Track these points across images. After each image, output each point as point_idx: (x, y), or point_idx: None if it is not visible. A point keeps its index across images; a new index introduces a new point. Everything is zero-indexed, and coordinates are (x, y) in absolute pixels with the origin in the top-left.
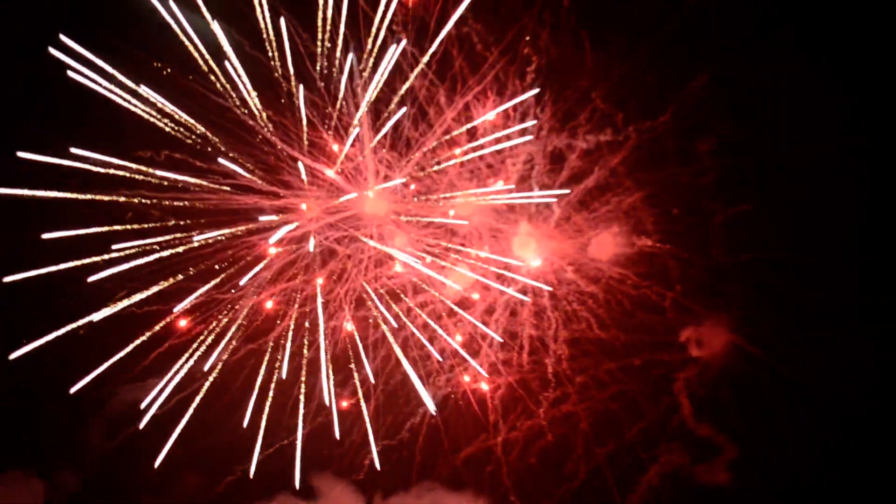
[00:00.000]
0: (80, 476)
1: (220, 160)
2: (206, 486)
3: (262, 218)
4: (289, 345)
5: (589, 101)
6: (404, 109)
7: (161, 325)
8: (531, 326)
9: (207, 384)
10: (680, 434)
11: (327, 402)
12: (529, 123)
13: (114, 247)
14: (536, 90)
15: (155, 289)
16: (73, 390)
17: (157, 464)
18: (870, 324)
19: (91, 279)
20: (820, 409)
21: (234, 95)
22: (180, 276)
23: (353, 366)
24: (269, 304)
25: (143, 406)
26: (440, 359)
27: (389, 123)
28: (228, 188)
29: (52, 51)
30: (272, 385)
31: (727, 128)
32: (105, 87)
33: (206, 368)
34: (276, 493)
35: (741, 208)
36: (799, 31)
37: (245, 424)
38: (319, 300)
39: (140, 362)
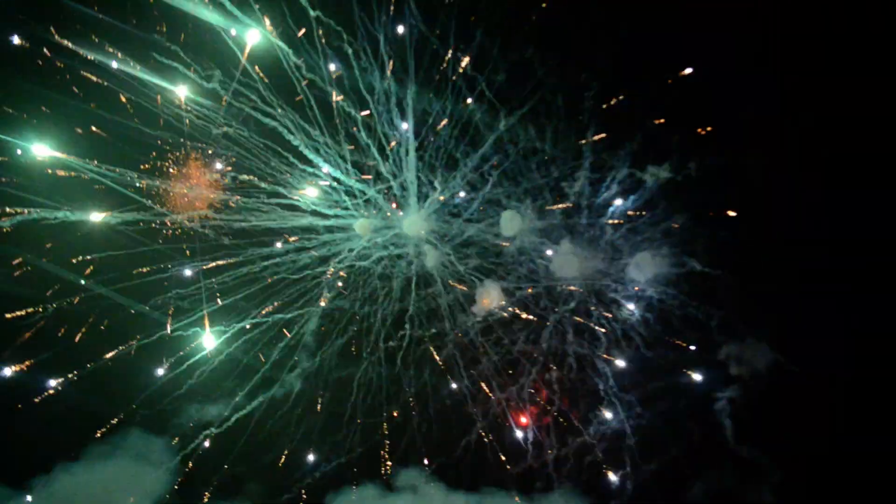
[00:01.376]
0: None
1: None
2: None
3: (292, 238)
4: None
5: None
6: (444, 122)
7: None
8: (577, 345)
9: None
10: (724, 453)
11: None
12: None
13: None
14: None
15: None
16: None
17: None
18: None
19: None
20: (863, 429)
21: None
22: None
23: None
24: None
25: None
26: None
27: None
28: (279, 208)
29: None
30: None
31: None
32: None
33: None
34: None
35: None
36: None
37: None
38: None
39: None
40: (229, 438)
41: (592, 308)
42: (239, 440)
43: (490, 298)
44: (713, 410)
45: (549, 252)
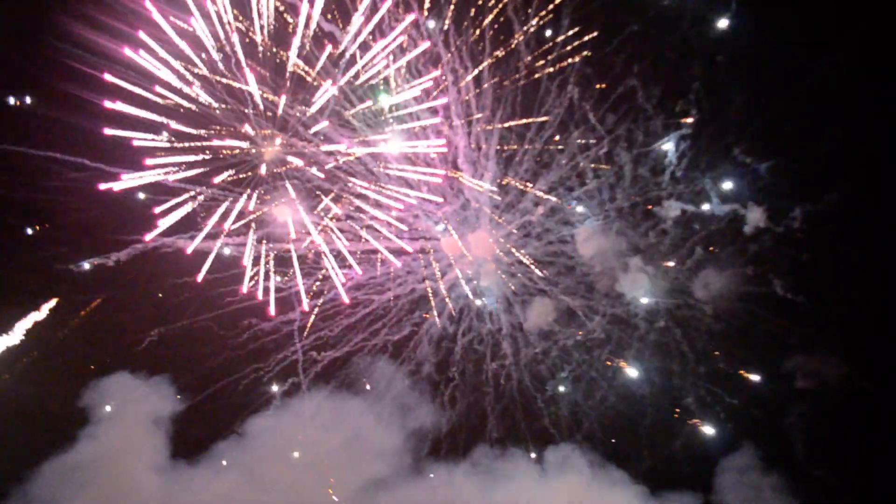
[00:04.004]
0: None
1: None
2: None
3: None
4: None
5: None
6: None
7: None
8: (660, 360)
9: None
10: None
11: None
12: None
13: None
14: None
15: None
16: None
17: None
18: None
19: None
20: None
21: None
22: None
23: None
24: None
25: None
26: None
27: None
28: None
29: None
30: None
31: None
32: None
33: None
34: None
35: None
36: None
37: None
38: None
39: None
40: None
41: (666, 323)
42: None
43: (541, 315)
44: (784, 426)
45: (621, 271)
